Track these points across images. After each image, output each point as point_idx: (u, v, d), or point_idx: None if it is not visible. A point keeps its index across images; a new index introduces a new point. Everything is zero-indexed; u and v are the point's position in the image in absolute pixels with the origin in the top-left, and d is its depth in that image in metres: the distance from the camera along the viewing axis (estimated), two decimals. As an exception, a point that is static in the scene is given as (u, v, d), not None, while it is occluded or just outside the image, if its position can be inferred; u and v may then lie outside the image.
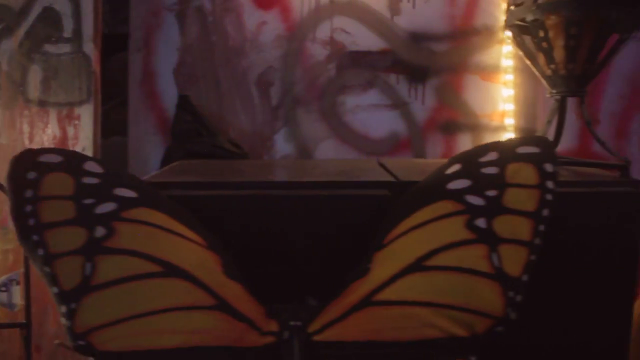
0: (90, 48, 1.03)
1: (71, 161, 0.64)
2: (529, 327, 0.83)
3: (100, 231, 0.61)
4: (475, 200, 0.71)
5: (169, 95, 1.13)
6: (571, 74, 0.87)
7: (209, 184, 0.81)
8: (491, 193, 0.71)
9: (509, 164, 0.73)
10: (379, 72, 1.15)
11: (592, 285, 0.86)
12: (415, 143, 1.15)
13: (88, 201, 0.62)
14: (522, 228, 0.72)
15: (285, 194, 0.77)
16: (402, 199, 0.74)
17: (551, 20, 0.88)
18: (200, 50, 1.12)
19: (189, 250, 0.67)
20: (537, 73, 0.93)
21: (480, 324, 0.71)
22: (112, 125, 1.16)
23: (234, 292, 0.68)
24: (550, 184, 0.74)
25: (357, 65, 1.14)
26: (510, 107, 1.21)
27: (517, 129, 1.16)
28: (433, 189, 0.72)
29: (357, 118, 1.15)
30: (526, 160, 0.73)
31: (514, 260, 0.71)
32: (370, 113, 1.15)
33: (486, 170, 0.73)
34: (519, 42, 0.91)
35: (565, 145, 1.18)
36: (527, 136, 0.77)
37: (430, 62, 1.15)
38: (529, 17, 0.86)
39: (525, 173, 0.73)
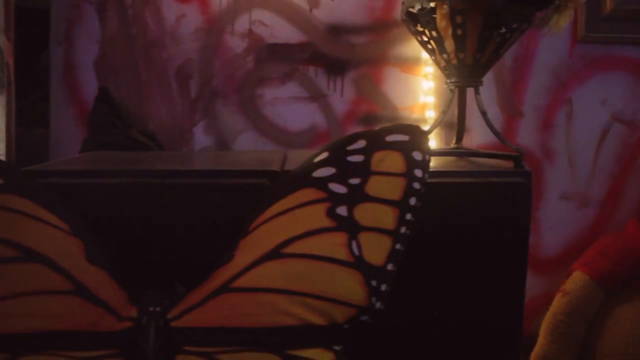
0: (2, 40, 1.04)
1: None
2: (422, 316, 0.84)
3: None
4: (337, 188, 0.71)
5: (90, 87, 1.13)
6: (462, 63, 0.87)
7: (86, 172, 0.82)
8: (354, 181, 0.71)
9: (375, 152, 0.73)
10: (298, 64, 1.15)
11: (484, 275, 0.86)
12: (334, 135, 1.14)
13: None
14: (385, 216, 0.72)
15: (160, 182, 0.77)
16: (271, 186, 0.74)
17: (441, 10, 0.88)
18: (121, 43, 1.13)
19: (51, 236, 0.68)
20: (434, 63, 0.93)
21: (341, 312, 0.71)
22: (35, 117, 1.17)
23: (95, 277, 0.68)
24: (418, 173, 0.74)
25: (275, 57, 1.14)
26: (430, 99, 1.20)
27: (439, 122, 1.15)
28: (299, 176, 0.73)
29: (276, 110, 1.15)
30: (393, 148, 0.73)
31: (375, 249, 0.71)
32: (288, 105, 1.15)
33: (352, 158, 0.73)
34: (414, 32, 0.91)
35: (487, 138, 1.18)
36: (398, 124, 0.76)
37: (349, 55, 1.15)
38: (417, 6, 0.86)
39: (390, 161, 0.73)
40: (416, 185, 0.74)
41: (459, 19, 0.82)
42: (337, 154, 0.74)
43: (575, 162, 1.22)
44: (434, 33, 0.86)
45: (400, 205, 0.73)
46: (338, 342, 0.72)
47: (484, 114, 0.91)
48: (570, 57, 1.20)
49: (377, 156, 0.73)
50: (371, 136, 0.74)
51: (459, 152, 0.99)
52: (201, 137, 1.15)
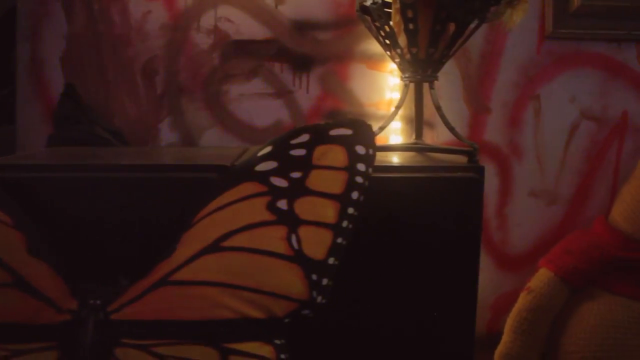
0: (-34, 36, 1.05)
1: None
2: (371, 312, 0.83)
3: None
4: (279, 182, 0.71)
5: (57, 84, 1.13)
6: (416, 58, 0.86)
7: (31, 167, 0.82)
8: (295, 175, 0.71)
9: (318, 146, 0.73)
10: (263, 60, 1.14)
11: (435, 270, 0.86)
12: (300, 132, 1.14)
13: None
14: (326, 210, 0.72)
15: (109, 176, 0.77)
16: (216, 180, 0.74)
17: (395, 4, 0.88)
18: (87, 39, 1.13)
19: (-9, 228, 0.68)
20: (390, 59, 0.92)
21: (280, 306, 0.71)
22: (2, 113, 1.18)
23: (36, 270, 0.68)
24: (361, 167, 0.74)
25: (241, 54, 1.14)
26: (397, 95, 1.20)
27: (404, 117, 1.15)
28: (241, 170, 0.73)
29: (242, 107, 1.15)
30: (336, 143, 0.73)
31: (315, 243, 0.71)
32: (254, 102, 1.15)
33: (295, 152, 0.73)
34: (368, 27, 0.91)
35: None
36: (344, 119, 0.77)
37: (315, 51, 1.15)
38: (370, 0, 0.86)
39: (333, 155, 0.73)
40: (359, 179, 0.74)
41: (409, 13, 0.82)
42: (280, 148, 0.74)
43: (544, 158, 1.21)
44: (387, 27, 0.86)
45: (341, 199, 0.73)
46: (278, 336, 0.72)
47: (438, 108, 0.90)
48: (538, 53, 1.19)
49: (319, 150, 0.73)
50: (315, 130, 0.74)
51: (409, 148, 0.99)
52: (167, 134, 1.15)
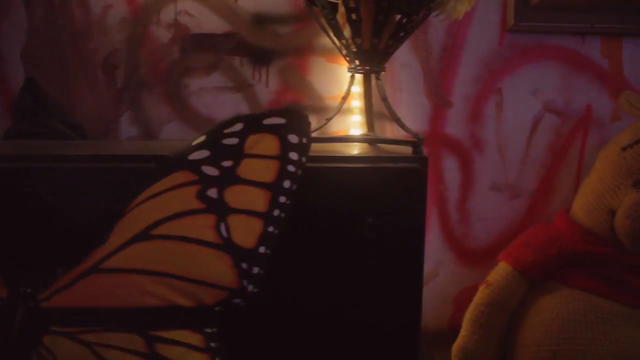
0: None
1: None
2: (313, 302, 0.83)
3: None
4: (210, 170, 0.71)
5: (17, 78, 1.14)
6: (360, 49, 0.86)
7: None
8: (227, 163, 0.71)
9: (250, 135, 0.73)
10: (223, 54, 1.14)
11: (378, 262, 0.85)
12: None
13: None
14: (256, 199, 0.71)
15: (49, 167, 0.78)
16: (152, 169, 0.74)
17: (338, -6, 0.88)
18: (47, 33, 1.13)
19: None
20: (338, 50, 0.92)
21: (209, 294, 0.71)
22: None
23: (-31, 259, 0.69)
24: (293, 155, 0.73)
25: (201, 47, 1.14)
26: (356, 89, 1.20)
27: (364, 110, 1.15)
28: (175, 160, 0.73)
29: (201, 100, 1.15)
30: (269, 131, 0.73)
31: (245, 231, 0.71)
32: (214, 95, 1.15)
33: (227, 141, 0.73)
34: (315, 18, 0.91)
35: (415, 126, 1.18)
36: (278, 108, 0.76)
37: (274, 45, 1.15)
38: (312, -8, 0.86)
39: (265, 144, 0.73)
40: (291, 168, 0.73)
41: (351, 3, 0.82)
42: (214, 137, 0.74)
43: (506, 152, 1.20)
44: (331, 18, 0.86)
45: (273, 187, 0.72)
46: (209, 325, 0.72)
47: (384, 100, 0.90)
48: (500, 46, 1.18)
49: (252, 139, 0.73)
50: (249, 119, 0.74)
51: (352, 138, 0.99)
52: (127, 127, 1.15)
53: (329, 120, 0.89)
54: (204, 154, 0.72)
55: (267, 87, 1.15)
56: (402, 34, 0.89)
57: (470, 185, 1.20)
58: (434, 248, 1.20)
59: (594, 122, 1.22)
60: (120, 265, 0.70)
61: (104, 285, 0.70)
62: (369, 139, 0.94)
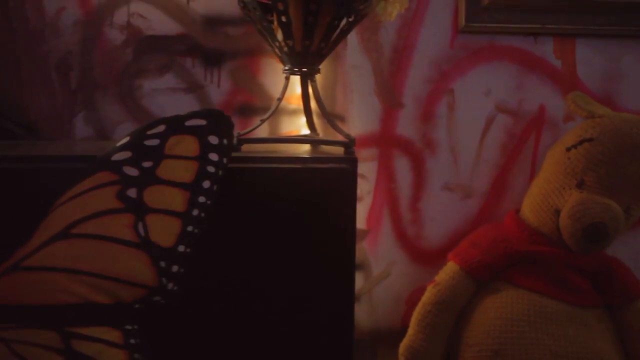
0: None
1: None
2: (242, 301, 0.84)
3: None
4: (130, 171, 0.72)
5: (-28, 79, 1.16)
6: (293, 51, 0.87)
7: None
8: (147, 164, 0.73)
9: (171, 136, 0.74)
10: (176, 56, 1.15)
11: (310, 261, 0.86)
12: (211, 126, 1.15)
13: None
14: (174, 199, 0.73)
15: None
16: (79, 170, 0.75)
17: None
18: (1, 35, 1.15)
19: None
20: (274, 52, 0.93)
21: (127, 292, 0.72)
22: None
23: None
24: (213, 156, 0.75)
25: (153, 49, 1.15)
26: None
27: (316, 112, 1.16)
28: (99, 160, 0.74)
29: (154, 101, 1.16)
30: (189, 133, 0.75)
31: (163, 231, 0.72)
32: (166, 96, 1.16)
33: (149, 142, 0.74)
34: (249, 21, 0.92)
35: (367, 127, 1.18)
36: (201, 109, 0.77)
37: (226, 46, 1.16)
38: (256, -6, 0.87)
39: (184, 145, 0.74)
40: (211, 169, 0.75)
41: (280, 5, 0.83)
42: (137, 138, 0.75)
43: (459, 153, 1.21)
44: (262, 21, 0.87)
45: (192, 188, 0.74)
46: (128, 322, 0.73)
47: (318, 100, 0.91)
48: (452, 47, 1.19)
49: (172, 140, 0.74)
50: (171, 121, 0.76)
51: (282, 139, 1.00)
52: (82, 128, 1.16)
53: (263, 121, 0.90)
54: (126, 154, 0.74)
55: (219, 88, 1.16)
56: (335, 36, 0.90)
57: (422, 185, 1.21)
58: (386, 248, 1.21)
59: (547, 122, 1.23)
60: (41, 264, 0.71)
61: (24, 283, 0.71)
62: (302, 139, 0.95)
